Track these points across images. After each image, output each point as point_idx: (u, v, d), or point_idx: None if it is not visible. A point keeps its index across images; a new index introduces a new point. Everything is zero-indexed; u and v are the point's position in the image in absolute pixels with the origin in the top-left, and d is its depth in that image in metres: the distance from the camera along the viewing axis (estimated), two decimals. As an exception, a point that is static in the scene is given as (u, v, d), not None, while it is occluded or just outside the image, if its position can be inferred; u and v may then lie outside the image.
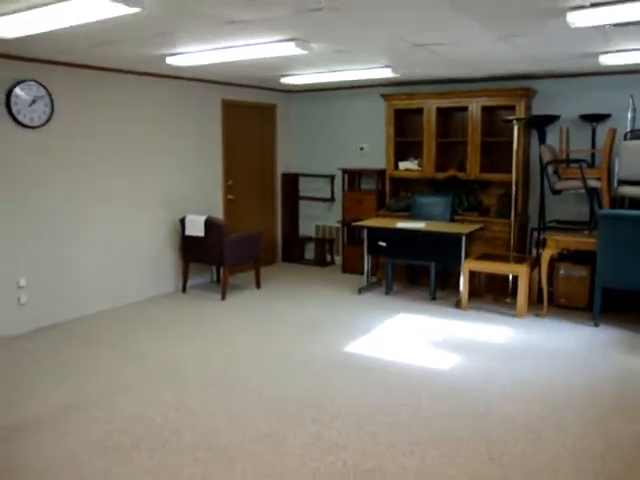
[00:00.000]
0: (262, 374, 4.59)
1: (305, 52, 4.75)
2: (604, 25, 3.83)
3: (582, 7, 3.42)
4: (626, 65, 5.67)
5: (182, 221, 6.90)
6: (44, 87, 5.51)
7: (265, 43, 4.58)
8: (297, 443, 3.50)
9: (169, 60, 5.35)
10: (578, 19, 3.51)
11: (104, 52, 5.12)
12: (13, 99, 5.25)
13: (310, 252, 8.91)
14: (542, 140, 6.78)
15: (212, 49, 4.92)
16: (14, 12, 3.50)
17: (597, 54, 5.10)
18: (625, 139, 6.13)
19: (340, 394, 4.20)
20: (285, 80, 6.97)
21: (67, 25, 3.70)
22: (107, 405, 4.02)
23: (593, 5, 3.40)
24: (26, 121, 5.38)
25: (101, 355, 4.97)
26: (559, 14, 3.57)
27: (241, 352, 5.06)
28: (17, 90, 5.28)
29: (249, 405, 4.03)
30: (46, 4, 3.29)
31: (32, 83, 5.40)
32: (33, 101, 5.42)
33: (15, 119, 5.30)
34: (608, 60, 5.20)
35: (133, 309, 6.36)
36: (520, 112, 6.66)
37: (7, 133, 5.31)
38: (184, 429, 3.68)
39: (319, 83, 7.37)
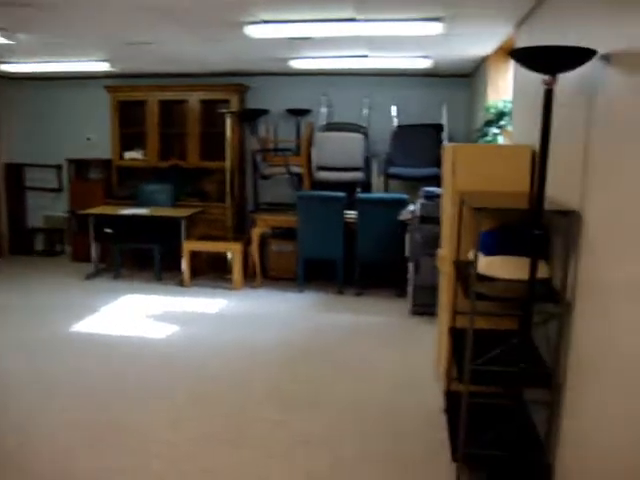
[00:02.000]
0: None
1: (12, 42, 4.89)
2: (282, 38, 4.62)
3: (256, 22, 4.13)
4: (317, 69, 6.63)
5: None
6: None
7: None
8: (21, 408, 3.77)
9: None
10: (254, 32, 4.23)
11: None
12: None
13: (40, 243, 8.77)
14: (254, 131, 7.58)
15: None
16: None
17: (287, 59, 5.96)
18: (320, 131, 7.16)
19: (61, 367, 4.49)
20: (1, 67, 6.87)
21: None
22: None
23: (265, 22, 4.13)
24: None
25: None
26: (239, 27, 4.24)
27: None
28: None
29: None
30: None
31: None
32: None
33: None
34: (296, 64, 6.11)
35: None
36: (234, 106, 7.37)
37: None
38: None
39: (41, 72, 7.32)
